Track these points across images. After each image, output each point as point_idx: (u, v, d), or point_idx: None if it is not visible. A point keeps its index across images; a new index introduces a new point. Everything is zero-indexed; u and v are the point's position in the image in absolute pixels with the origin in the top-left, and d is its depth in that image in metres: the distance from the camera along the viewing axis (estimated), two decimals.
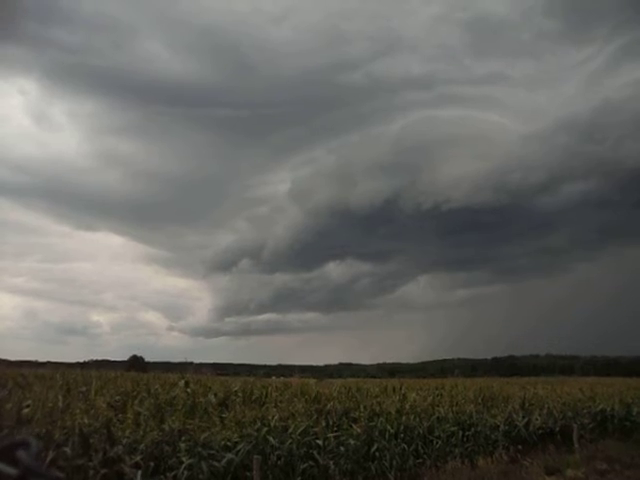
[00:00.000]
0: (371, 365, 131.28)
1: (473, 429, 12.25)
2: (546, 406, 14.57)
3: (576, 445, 13.42)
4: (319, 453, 9.42)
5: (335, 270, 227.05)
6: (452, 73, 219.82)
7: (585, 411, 15.30)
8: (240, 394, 11.74)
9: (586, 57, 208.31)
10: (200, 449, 8.16)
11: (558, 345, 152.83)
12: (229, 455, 8.41)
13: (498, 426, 12.75)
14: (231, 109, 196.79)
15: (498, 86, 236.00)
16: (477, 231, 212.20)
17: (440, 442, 11.32)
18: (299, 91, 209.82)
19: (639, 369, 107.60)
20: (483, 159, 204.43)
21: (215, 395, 11.07)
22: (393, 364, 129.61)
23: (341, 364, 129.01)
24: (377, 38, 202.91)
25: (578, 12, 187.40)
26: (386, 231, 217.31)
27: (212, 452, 8.32)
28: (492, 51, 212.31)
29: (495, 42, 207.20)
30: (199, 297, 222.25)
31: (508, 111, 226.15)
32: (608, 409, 16.00)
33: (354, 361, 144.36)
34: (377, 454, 10.22)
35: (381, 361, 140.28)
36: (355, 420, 10.92)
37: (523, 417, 13.51)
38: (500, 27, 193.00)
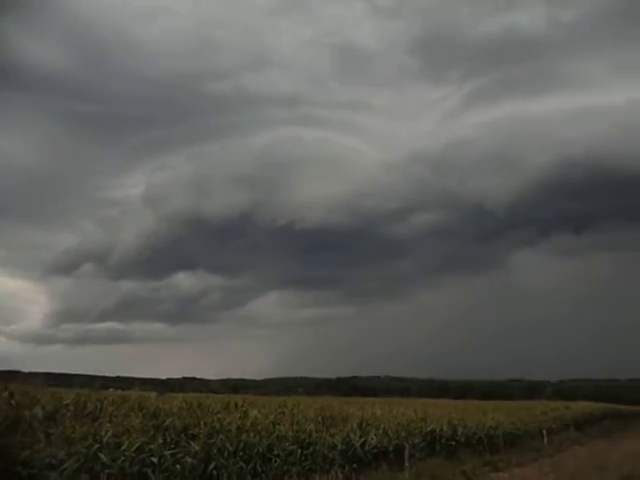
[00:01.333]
0: (215, 380, 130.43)
1: (312, 448, 12.77)
2: (382, 426, 15.60)
3: (407, 464, 14.59)
4: (153, 471, 9.28)
5: (185, 281, 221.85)
6: (318, 95, 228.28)
7: (417, 431, 16.64)
8: (72, 407, 11.13)
9: (442, 96, 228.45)
10: (20, 468, 7.67)
11: (397, 368, 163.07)
12: (53, 474, 7.99)
13: (336, 445, 13.40)
14: (94, 104, 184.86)
15: (360, 113, 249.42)
16: (330, 252, 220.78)
17: (279, 461, 11.67)
18: (163, 94, 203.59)
19: (468, 392, 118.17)
20: (341, 182, 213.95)
21: (43, 408, 10.39)
22: (238, 380, 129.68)
23: (185, 378, 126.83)
24: (248, 52, 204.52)
25: (437, 54, 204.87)
26: (239, 245, 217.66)
27: (33, 471, 7.84)
28: (357, 79, 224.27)
29: (360, 70, 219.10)
30: (33, 300, 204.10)
31: (368, 138, 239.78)
32: (437, 429, 17.57)
33: (198, 375, 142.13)
34: (215, 472, 10.29)
35: (226, 376, 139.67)
36: (194, 437, 10.89)
37: (360, 436, 14.33)
38: (366, 57, 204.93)
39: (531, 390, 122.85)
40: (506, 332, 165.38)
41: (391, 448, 14.85)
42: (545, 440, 24.30)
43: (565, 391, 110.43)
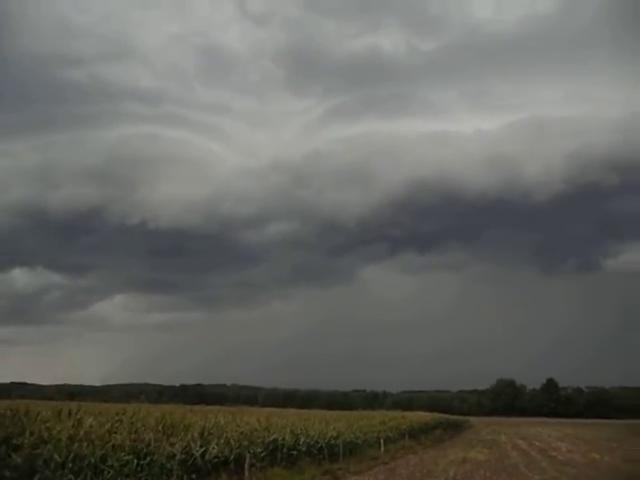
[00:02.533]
0: (50, 386, 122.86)
1: (149, 458, 12.51)
2: (224, 435, 15.70)
3: (247, 474, 14.81)
4: None
5: (21, 278, 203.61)
6: (180, 95, 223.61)
7: (259, 440, 16.94)
8: None
9: (305, 108, 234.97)
10: None
11: (244, 376, 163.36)
12: None
13: (175, 455, 13.25)
14: None
15: (223, 117, 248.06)
16: (182, 255, 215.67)
17: (112, 472, 11.30)
18: (14, 75, 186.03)
19: (313, 401, 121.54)
20: (198, 185, 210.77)
21: None
22: (75, 386, 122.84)
23: (14, 383, 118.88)
24: (109, 41, 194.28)
25: (302, 66, 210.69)
26: (86, 242, 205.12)
27: None
28: (221, 82, 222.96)
29: (225, 74, 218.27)
30: None
31: (229, 143, 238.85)
32: (280, 439, 18.01)
33: (30, 381, 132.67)
34: None
35: (62, 382, 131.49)
36: (18, 448, 10.20)
37: (201, 446, 14.31)
38: (232, 61, 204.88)
39: (373, 400, 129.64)
40: (351, 345, 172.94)
41: (232, 458, 14.98)
42: (382, 449, 25.88)
43: (403, 402, 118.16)
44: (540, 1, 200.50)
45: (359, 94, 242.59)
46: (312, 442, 20.15)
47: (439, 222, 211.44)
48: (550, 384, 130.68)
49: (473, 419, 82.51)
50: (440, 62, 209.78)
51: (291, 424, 21.21)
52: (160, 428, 14.85)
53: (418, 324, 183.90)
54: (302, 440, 19.40)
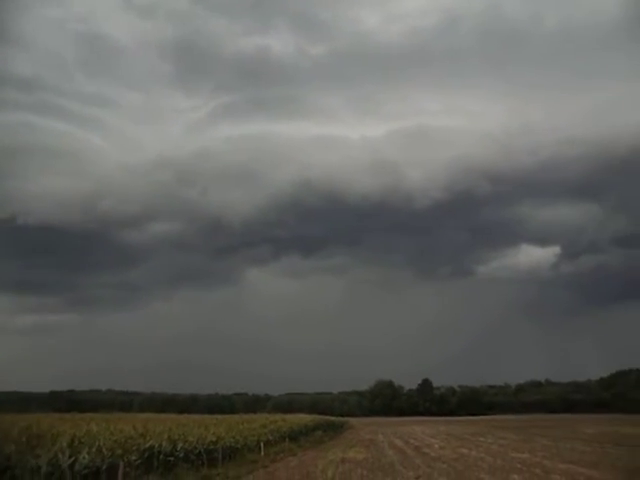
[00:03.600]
0: None
1: (9, 472, 11.75)
2: (97, 444, 15.06)
3: None
4: None
5: None
6: (60, 84, 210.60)
7: (134, 448, 16.42)
8: None
9: (192, 105, 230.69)
10: None
11: (121, 381, 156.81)
12: None
13: (40, 467, 12.54)
14: None
15: (105, 110, 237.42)
16: (56, 253, 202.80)
17: None
18: None
19: (193, 406, 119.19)
20: (77, 179, 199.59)
21: None
22: None
23: None
24: None
25: (190, 63, 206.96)
26: None
27: None
28: (105, 73, 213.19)
29: (109, 65, 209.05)
30: None
31: (111, 137, 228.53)
32: (156, 445, 17.56)
33: None
34: None
35: None
36: None
37: (70, 456, 13.63)
38: (116, 52, 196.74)
39: (254, 403, 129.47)
40: (234, 347, 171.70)
41: (105, 467, 14.40)
42: (262, 452, 25.99)
43: (285, 404, 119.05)
44: (427, 16, 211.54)
45: (248, 94, 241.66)
46: (190, 448, 19.84)
47: (324, 225, 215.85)
48: (425, 384, 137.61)
49: (353, 420, 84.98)
50: (329, 67, 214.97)
51: (168, 430, 20.76)
52: (24, 439, 13.98)
53: (301, 327, 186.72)
54: (180, 446, 19.05)
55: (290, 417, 48.59)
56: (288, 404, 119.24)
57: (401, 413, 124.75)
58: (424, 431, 52.70)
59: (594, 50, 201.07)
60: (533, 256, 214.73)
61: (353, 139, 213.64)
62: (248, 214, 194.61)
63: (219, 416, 50.43)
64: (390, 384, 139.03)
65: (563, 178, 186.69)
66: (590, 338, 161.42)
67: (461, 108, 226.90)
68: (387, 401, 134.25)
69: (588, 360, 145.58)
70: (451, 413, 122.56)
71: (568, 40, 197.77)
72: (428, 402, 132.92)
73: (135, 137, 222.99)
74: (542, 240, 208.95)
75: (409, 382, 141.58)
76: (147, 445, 17.25)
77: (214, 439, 22.29)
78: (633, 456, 25.11)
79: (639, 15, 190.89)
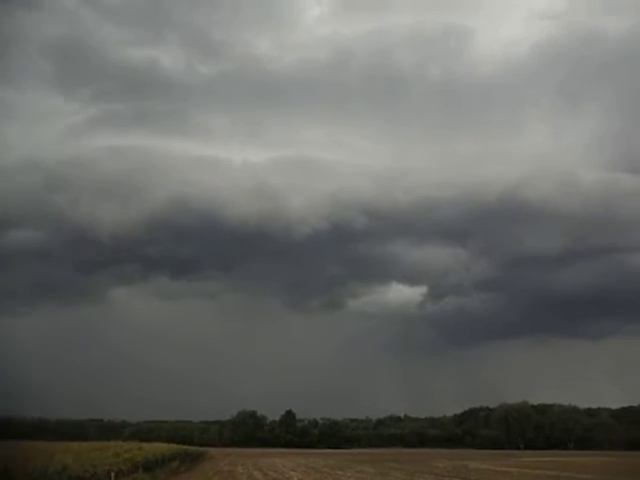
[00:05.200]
0: None
1: None
2: None
3: None
4: None
5: None
6: None
7: None
8: None
9: (70, 110, 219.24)
10: None
11: None
12: None
13: None
14: None
15: None
16: None
17: None
18: None
19: (38, 433, 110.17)
20: None
21: None
22: None
23: None
24: None
25: (70, 64, 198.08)
26: None
27: None
28: None
29: None
30: None
31: None
32: None
33: None
34: None
35: None
36: None
37: None
38: None
39: (109, 431, 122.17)
40: (91, 370, 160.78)
41: None
42: None
43: (143, 432, 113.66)
44: (319, 49, 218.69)
45: (132, 105, 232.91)
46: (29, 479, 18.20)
47: (198, 247, 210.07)
48: (289, 415, 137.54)
49: (213, 450, 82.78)
50: (217, 87, 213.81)
51: None
52: None
53: (164, 352, 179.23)
54: None
55: (146, 446, 46.34)
56: (147, 432, 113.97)
57: (263, 444, 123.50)
58: (284, 464, 52.47)
59: (472, 102, 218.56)
60: (402, 294, 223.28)
61: (235, 162, 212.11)
62: (119, 228, 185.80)
63: (70, 443, 46.91)
64: (253, 414, 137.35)
65: (435, 221, 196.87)
66: (448, 376, 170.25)
67: (345, 143, 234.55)
68: (249, 431, 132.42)
69: (445, 397, 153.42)
70: (313, 445, 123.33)
71: (449, 91, 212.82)
72: (290, 434, 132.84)
73: (1, 135, 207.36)
74: (411, 279, 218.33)
75: (273, 413, 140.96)
76: None
77: (59, 468, 20.66)
78: None
79: (507, 81, 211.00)
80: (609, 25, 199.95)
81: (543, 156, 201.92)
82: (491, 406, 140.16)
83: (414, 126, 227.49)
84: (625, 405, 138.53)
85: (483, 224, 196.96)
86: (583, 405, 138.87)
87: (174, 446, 57.04)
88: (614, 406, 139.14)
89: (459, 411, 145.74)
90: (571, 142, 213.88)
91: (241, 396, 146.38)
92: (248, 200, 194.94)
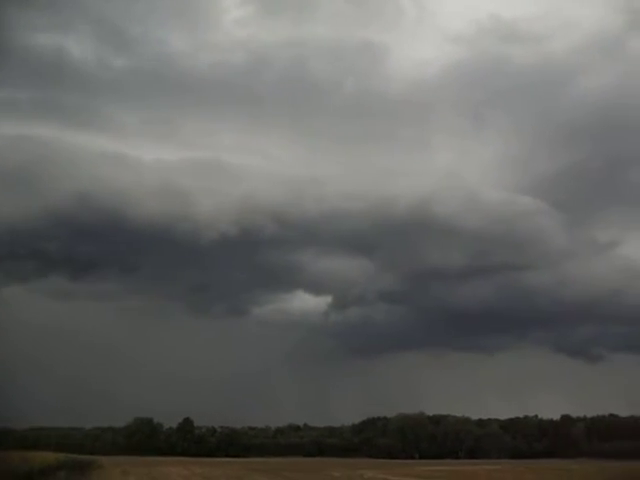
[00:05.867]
0: None
1: None
2: None
3: None
4: None
5: None
6: None
7: None
8: None
9: None
10: None
11: None
12: None
13: None
14: None
15: None
16: None
17: None
18: None
19: None
20: None
21: None
22: None
23: None
24: None
25: None
26: None
27: None
28: None
29: None
30: None
31: None
32: None
33: None
34: None
35: None
36: None
37: None
38: None
39: None
40: None
41: None
42: None
43: (30, 440, 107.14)
44: (235, 53, 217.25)
45: (37, 94, 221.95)
46: None
47: (99, 246, 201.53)
48: (186, 423, 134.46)
49: (105, 459, 79.36)
50: (130, 83, 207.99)
51: None
52: None
53: (58, 356, 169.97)
54: None
55: (31, 455, 43.85)
56: (34, 440, 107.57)
57: (159, 453, 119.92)
58: (180, 472, 51.31)
59: (384, 117, 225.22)
60: (307, 303, 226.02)
61: (145, 161, 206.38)
62: (16, 222, 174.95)
63: None
64: (149, 421, 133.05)
65: (343, 231, 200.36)
66: (349, 386, 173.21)
67: (258, 149, 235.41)
68: (145, 439, 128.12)
69: (345, 406, 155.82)
70: (211, 454, 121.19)
71: (363, 105, 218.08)
72: (187, 442, 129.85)
73: None
74: (316, 288, 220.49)
75: (170, 420, 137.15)
76: None
77: None
78: None
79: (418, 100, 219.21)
80: (514, 53, 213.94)
81: (449, 174, 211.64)
82: (389, 416, 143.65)
83: (327, 137, 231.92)
84: (512, 416, 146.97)
85: (390, 237, 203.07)
86: (475, 416, 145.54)
87: (62, 455, 54.38)
88: (503, 417, 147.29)
89: (358, 421, 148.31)
90: (475, 162, 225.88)
91: (137, 402, 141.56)
92: (156, 200, 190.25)
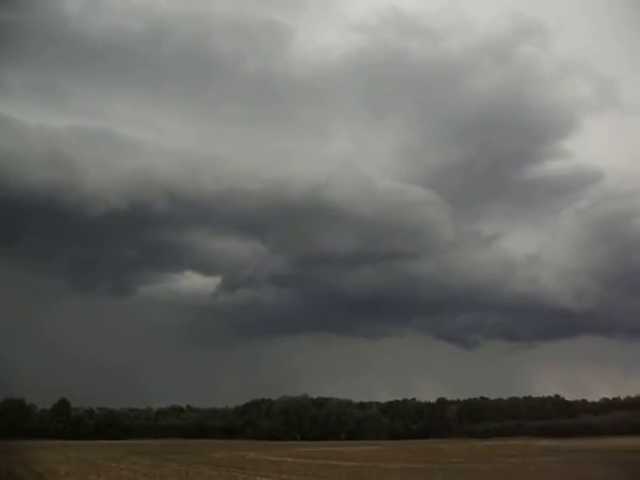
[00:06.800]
0: None
1: None
2: None
3: None
4: None
5: None
6: None
7: None
8: None
9: None
10: None
11: None
12: None
13: None
14: None
15: None
16: None
17: None
18: None
19: None
20: None
21: None
22: None
23: None
24: None
25: None
26: None
27: None
28: None
29: None
30: None
31: None
32: None
33: None
34: None
35: None
36: None
37: None
38: None
39: None
40: None
41: None
42: None
43: None
44: (134, 19, 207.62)
45: None
46: None
47: None
48: (62, 404, 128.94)
49: None
50: (16, 41, 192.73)
51: None
52: None
53: None
54: None
55: None
56: None
57: (31, 435, 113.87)
58: (52, 457, 49.27)
59: (284, 100, 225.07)
60: (195, 283, 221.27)
61: (30, 126, 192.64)
62: None
63: None
64: (21, 402, 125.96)
65: (237, 212, 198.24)
66: (235, 368, 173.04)
67: (153, 122, 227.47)
68: (15, 421, 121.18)
69: (230, 388, 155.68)
70: (88, 437, 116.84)
71: (264, 85, 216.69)
72: (62, 424, 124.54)
73: None
74: (206, 269, 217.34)
75: (44, 401, 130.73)
76: None
77: None
78: None
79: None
80: (413, 47, 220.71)
81: (345, 161, 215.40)
82: (273, 398, 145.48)
83: (226, 115, 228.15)
84: (392, 399, 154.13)
85: (283, 220, 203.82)
86: (357, 399, 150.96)
87: None
88: (383, 400, 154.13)
89: (242, 403, 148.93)
90: (370, 151, 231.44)
91: (7, 383, 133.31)
92: (40, 168, 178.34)
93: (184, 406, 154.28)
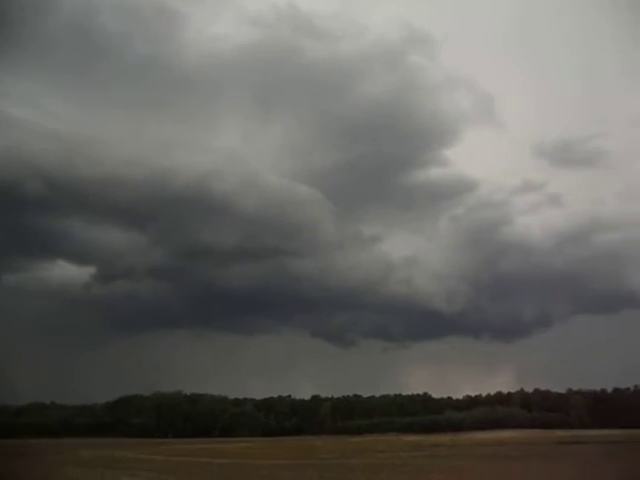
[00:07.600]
0: None
1: None
2: None
3: None
4: None
5: None
6: None
7: None
8: None
9: None
10: None
11: None
12: None
13: None
14: None
15: None
16: None
17: None
18: None
19: None
20: None
21: None
22: None
23: None
24: None
25: None
26: None
27: None
28: None
29: None
30: None
31: None
32: None
33: None
34: None
35: None
36: None
37: None
38: None
39: None
40: None
41: None
42: None
43: None
44: None
45: None
46: None
47: None
48: None
49: None
50: None
51: None
52: None
53: None
54: None
55: None
56: None
57: None
58: None
59: (172, 87, 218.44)
60: (67, 273, 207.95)
61: None
62: None
63: None
64: None
65: (116, 199, 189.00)
66: (107, 362, 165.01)
67: (31, 99, 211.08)
68: None
69: (99, 384, 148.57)
70: None
71: (150, 70, 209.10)
72: None
73: None
74: (80, 258, 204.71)
75: None
76: None
77: None
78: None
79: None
80: (307, 46, 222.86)
81: (233, 153, 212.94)
82: (145, 394, 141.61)
83: (111, 97, 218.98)
84: (267, 396, 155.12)
85: (165, 211, 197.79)
86: (232, 395, 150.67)
87: None
88: (258, 397, 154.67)
89: (112, 399, 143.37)
90: (258, 146, 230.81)
91: None
92: None
93: (48, 402, 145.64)
